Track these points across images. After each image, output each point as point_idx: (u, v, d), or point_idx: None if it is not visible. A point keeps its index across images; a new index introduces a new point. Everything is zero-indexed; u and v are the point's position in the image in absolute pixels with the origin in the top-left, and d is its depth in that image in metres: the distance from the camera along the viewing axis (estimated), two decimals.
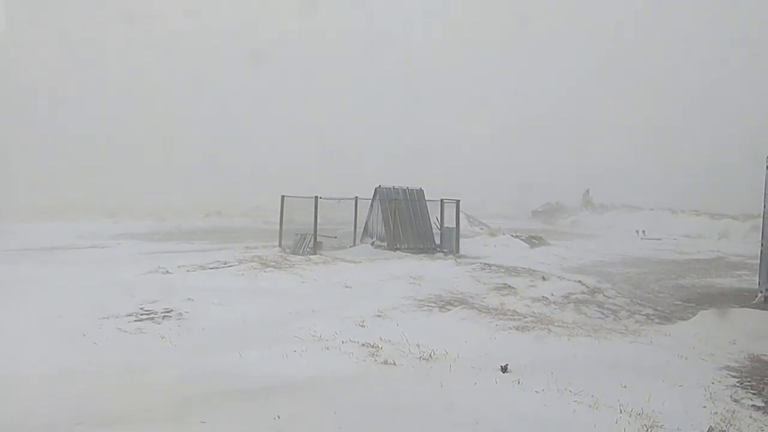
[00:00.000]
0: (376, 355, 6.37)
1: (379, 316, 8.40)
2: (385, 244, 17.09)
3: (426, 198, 18.17)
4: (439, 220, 18.42)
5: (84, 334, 7.02)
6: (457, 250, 17.76)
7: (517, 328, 7.78)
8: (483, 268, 13.56)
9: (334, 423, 4.50)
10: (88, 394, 5.13)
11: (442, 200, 18.53)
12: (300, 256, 15.05)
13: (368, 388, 5.38)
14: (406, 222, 17.59)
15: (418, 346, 6.67)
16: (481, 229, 28.83)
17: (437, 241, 17.96)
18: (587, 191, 45.46)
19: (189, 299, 9.12)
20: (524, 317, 8.60)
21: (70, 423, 4.48)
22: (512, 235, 22.43)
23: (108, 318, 7.83)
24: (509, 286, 11.26)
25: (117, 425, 4.44)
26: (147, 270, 12.20)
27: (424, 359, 6.27)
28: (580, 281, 11.90)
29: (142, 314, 8.18)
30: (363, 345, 6.73)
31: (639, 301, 10.66)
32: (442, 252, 17.34)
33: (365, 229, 18.21)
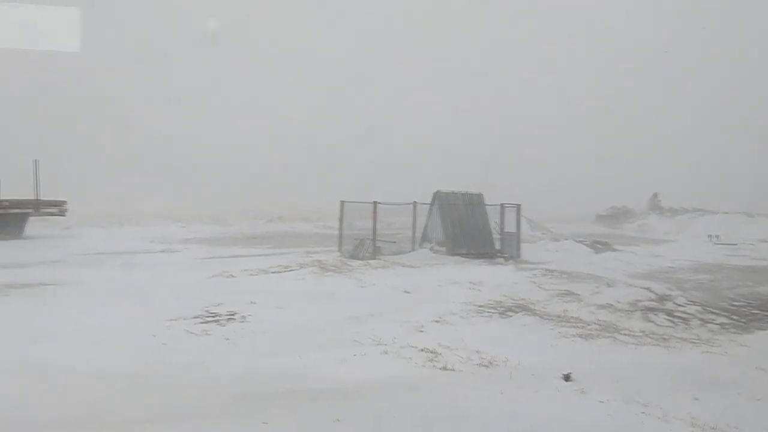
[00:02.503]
0: (435, 361, 6.34)
1: (437, 321, 8.35)
2: (444, 248, 16.99)
3: (486, 203, 17.96)
4: (500, 224, 18.16)
5: (154, 335, 7.31)
6: (518, 255, 17.44)
7: (580, 336, 7.56)
8: (545, 274, 13.26)
9: (392, 427, 4.50)
10: (157, 392, 5.34)
11: (502, 204, 18.26)
12: (359, 261, 15.17)
13: (427, 393, 5.36)
14: (465, 226, 17.42)
15: (477, 352, 6.59)
16: (543, 233, 28.18)
17: (497, 246, 17.70)
18: (655, 194, 43.65)
19: (252, 302, 9.35)
20: (588, 325, 8.35)
21: (141, 419, 4.68)
22: (575, 240, 21.81)
23: (176, 320, 8.12)
24: (572, 293, 10.96)
25: (183, 422, 4.60)
26: (212, 274, 12.59)
27: (483, 366, 6.18)
28: (648, 288, 11.44)
29: (207, 317, 8.44)
30: (422, 350, 6.71)
31: (712, 309, 10.13)
32: (503, 257, 17.07)
33: (424, 233, 18.16)
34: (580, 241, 21.54)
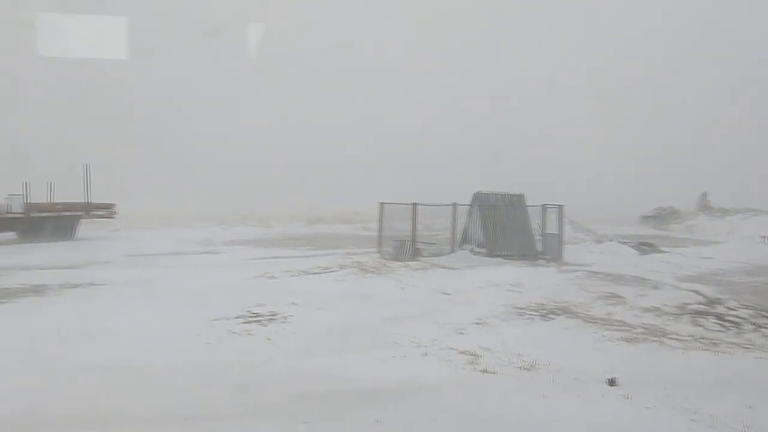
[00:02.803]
0: (475, 363, 6.28)
1: (478, 323, 8.28)
2: (484, 250, 16.82)
3: (527, 203, 17.71)
4: (541, 225, 17.88)
5: (198, 334, 7.47)
6: (560, 257, 17.13)
7: (625, 340, 7.38)
8: (588, 276, 12.98)
9: (432, 430, 4.48)
10: (200, 390, 5.46)
11: (544, 205, 17.98)
12: (399, 263, 15.16)
13: (467, 396, 5.31)
14: (505, 228, 17.22)
15: (518, 355, 6.50)
16: (586, 235, 27.59)
17: (539, 247, 17.42)
18: (704, 194, 42.18)
19: (293, 303, 9.45)
20: (633, 328, 8.14)
21: (182, 416, 4.78)
22: (620, 242, 21.28)
23: (219, 319, 8.28)
24: (617, 295, 10.69)
25: (225, 421, 4.68)
26: (254, 275, 12.80)
27: (525, 369, 6.09)
28: (696, 291, 11.07)
29: (249, 317, 8.57)
30: (462, 352, 6.66)
31: (766, 314, 9.74)
32: (544, 259, 16.80)
33: (464, 235, 18.03)
34: (624, 243, 21.01)
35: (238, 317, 8.48)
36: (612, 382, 5.51)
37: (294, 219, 33.19)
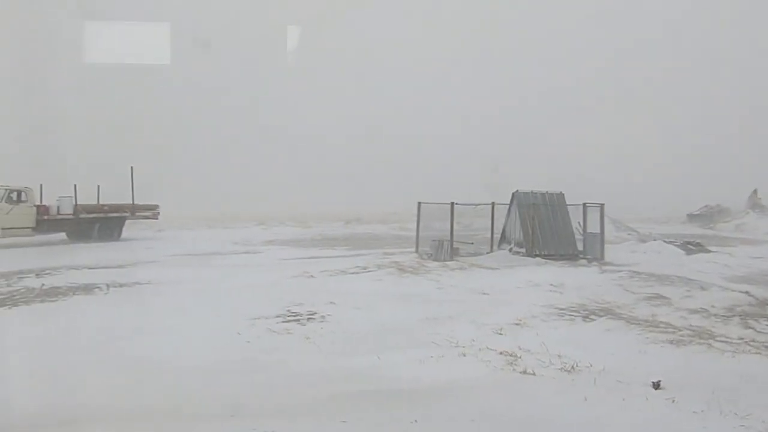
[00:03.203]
0: (515, 364, 6.21)
1: (517, 324, 8.18)
2: (523, 250, 16.61)
3: (567, 202, 17.40)
4: (582, 225, 17.55)
5: (238, 333, 7.60)
6: (602, 257, 16.76)
7: (670, 342, 7.17)
8: (631, 276, 12.68)
9: (470, 431, 4.44)
10: (241, 388, 5.55)
11: (584, 204, 17.63)
12: (437, 262, 15.11)
13: (506, 397, 5.25)
14: (545, 227, 16.96)
15: (559, 356, 6.39)
16: (629, 234, 26.93)
17: (580, 247, 17.10)
18: (755, 191, 40.57)
19: (331, 302, 9.51)
20: (679, 330, 7.90)
21: (226, 414, 4.87)
22: (665, 241, 20.69)
23: (259, 318, 8.39)
24: (662, 296, 10.41)
25: (266, 418, 4.74)
26: (293, 274, 12.93)
27: (566, 371, 5.99)
28: (747, 292, 10.69)
29: (288, 316, 8.67)
30: (501, 353, 6.59)
31: None
32: (586, 259, 16.47)
33: (503, 235, 17.84)
34: (670, 242, 20.40)
35: (277, 316, 8.58)
36: (657, 386, 5.36)
37: (332, 219, 33.40)
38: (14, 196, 19.91)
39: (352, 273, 13.29)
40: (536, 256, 16.12)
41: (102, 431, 4.65)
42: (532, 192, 17.45)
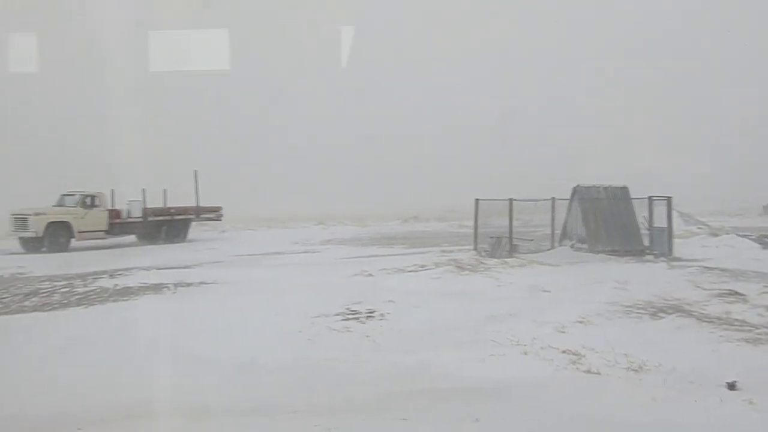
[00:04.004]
0: (579, 363, 6.05)
1: (580, 322, 7.96)
2: (585, 246, 16.16)
3: (631, 196, 16.81)
4: (648, 219, 16.91)
5: (299, 331, 7.73)
6: (670, 252, 16.09)
7: (746, 341, 6.81)
8: (702, 272, 12.13)
9: (533, 430, 4.36)
10: (302, 385, 5.65)
11: (650, 198, 16.96)
12: (495, 260, 14.91)
13: (570, 397, 5.13)
14: (609, 222, 16.44)
15: (625, 355, 6.18)
16: (699, 228, 25.73)
17: (646, 242, 16.48)
18: None
19: (390, 301, 9.54)
20: (756, 328, 7.48)
21: (289, 410, 4.97)
22: (738, 235, 19.67)
23: (319, 317, 8.52)
24: (736, 293, 9.89)
25: (327, 415, 4.80)
26: (352, 273, 13.05)
27: (633, 370, 5.78)
28: None
29: (348, 314, 8.76)
30: (563, 352, 6.44)
31: None
32: (652, 254, 15.86)
33: (564, 230, 17.42)
34: (744, 236, 19.36)
35: (337, 315, 8.68)
36: (732, 386, 5.10)
37: (389, 218, 33.51)
38: (88, 201, 20.99)
39: (411, 271, 13.30)
40: (599, 252, 15.64)
41: (165, 425, 4.83)
42: (594, 186, 16.94)
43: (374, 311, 8.89)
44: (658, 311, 8.67)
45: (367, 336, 7.50)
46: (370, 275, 12.77)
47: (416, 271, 13.32)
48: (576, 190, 16.98)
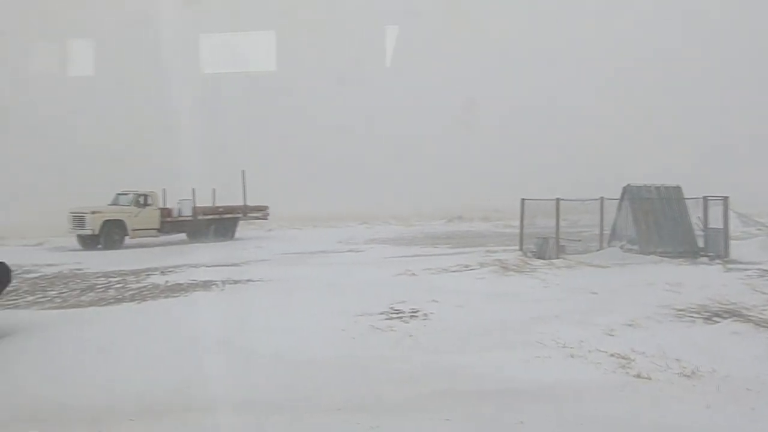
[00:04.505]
0: (628, 367, 5.88)
1: (630, 325, 7.74)
2: (636, 247, 15.71)
3: (685, 196, 16.24)
4: (703, 219, 16.30)
5: (343, 329, 7.79)
6: (726, 255, 15.47)
7: None
8: (761, 275, 11.62)
9: None
10: (345, 383, 5.69)
11: (705, 197, 16.36)
12: (542, 260, 14.66)
13: (619, 402, 5.00)
14: (660, 223, 15.94)
15: (677, 360, 5.98)
16: (759, 229, 24.68)
17: (700, 244, 15.90)
18: None
19: (433, 301, 9.50)
20: None
21: (332, 407, 5.01)
22: None
23: (363, 316, 8.56)
24: None
25: (370, 413, 4.82)
26: (395, 272, 13.06)
27: (685, 376, 5.59)
28: None
29: (392, 313, 8.77)
30: (612, 355, 6.28)
31: None
32: (707, 256, 15.28)
33: (613, 231, 16.98)
34: None
35: (380, 313, 8.70)
36: None
37: (433, 217, 33.39)
38: (141, 200, 21.70)
39: (455, 271, 13.21)
40: (651, 253, 15.18)
41: (212, 419, 4.93)
42: (645, 185, 16.45)
43: (418, 311, 8.87)
44: (712, 315, 8.36)
45: (411, 335, 7.49)
46: (414, 275, 12.75)
47: (460, 271, 13.23)
48: (626, 190, 16.53)
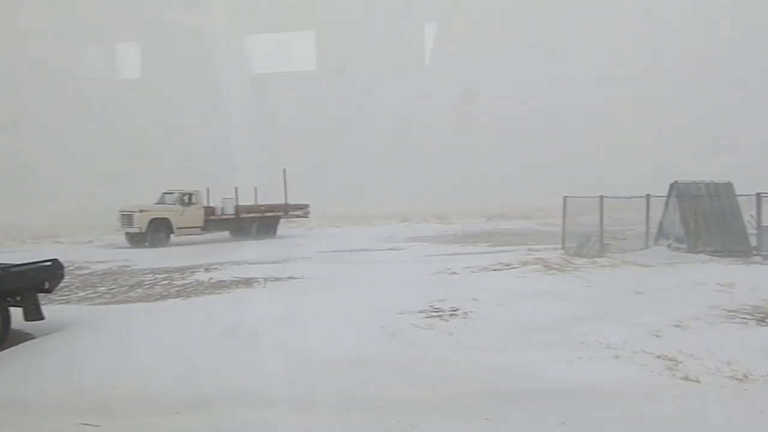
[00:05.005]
0: (675, 369, 5.71)
1: (678, 326, 7.52)
2: (684, 246, 15.23)
3: (737, 193, 15.66)
4: (756, 217, 15.68)
5: (383, 327, 7.80)
6: None
7: None
8: None
9: None
10: (385, 381, 5.70)
11: (758, 194, 15.73)
12: (585, 259, 14.38)
13: (665, 404, 4.85)
14: (710, 221, 15.40)
15: (728, 363, 5.77)
16: None
17: (753, 243, 15.31)
18: None
19: (474, 299, 9.43)
20: None
21: (371, 405, 5.02)
22: None
23: (403, 314, 8.55)
24: None
25: (409, 411, 4.82)
26: (435, 270, 13.02)
27: (737, 379, 5.39)
28: None
29: (431, 312, 8.74)
30: (658, 357, 6.11)
31: None
32: (760, 255, 14.71)
33: (660, 229, 16.51)
34: None
35: (420, 312, 8.69)
36: None
37: (473, 215, 33.15)
38: (186, 199, 22.25)
39: (495, 270, 13.08)
40: (700, 252, 14.70)
41: (249, 413, 5.01)
42: (694, 182, 15.94)
43: (457, 309, 8.82)
44: (766, 317, 8.04)
45: (450, 334, 7.45)
46: (454, 273, 12.69)
47: (501, 269, 13.09)
48: (674, 187, 16.06)
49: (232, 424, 4.84)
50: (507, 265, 13.63)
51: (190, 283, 12.45)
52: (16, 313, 7.72)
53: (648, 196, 16.44)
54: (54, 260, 8.16)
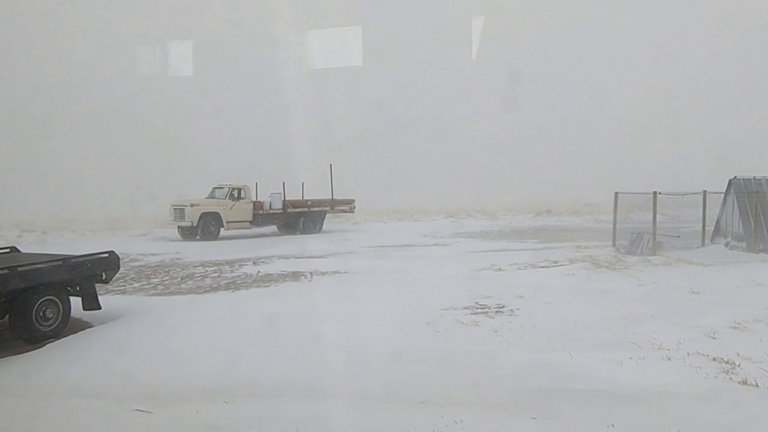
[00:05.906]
0: (732, 373, 5.49)
1: (735, 327, 7.22)
2: (743, 244, 14.60)
3: None
4: None
5: (428, 323, 7.79)
6: None
7: None
8: None
9: None
10: (429, 377, 5.69)
11: None
12: (636, 257, 13.97)
13: (721, 409, 4.67)
14: None
15: None
16: None
17: None
18: None
19: (520, 296, 9.31)
20: None
21: (416, 400, 5.03)
22: None
23: (448, 310, 8.52)
24: None
25: (453, 407, 4.80)
26: (481, 267, 12.90)
27: None
28: None
29: (477, 308, 8.67)
30: (714, 359, 5.88)
31: None
32: None
33: (716, 227, 15.89)
34: None
35: (465, 308, 8.63)
36: None
37: (521, 211, 32.68)
38: (236, 193, 22.71)
39: (543, 267, 12.86)
40: (760, 251, 14.08)
41: (291, 405, 5.09)
42: (754, 178, 15.25)
43: (503, 306, 8.72)
44: None
45: (496, 331, 7.37)
46: (500, 269, 12.54)
47: (548, 266, 12.86)
48: (732, 183, 15.41)
49: (277, 414, 4.91)
50: (555, 262, 13.39)
51: (239, 276, 12.73)
52: (75, 303, 8.08)
53: (705, 192, 15.85)
54: (110, 252, 8.49)
